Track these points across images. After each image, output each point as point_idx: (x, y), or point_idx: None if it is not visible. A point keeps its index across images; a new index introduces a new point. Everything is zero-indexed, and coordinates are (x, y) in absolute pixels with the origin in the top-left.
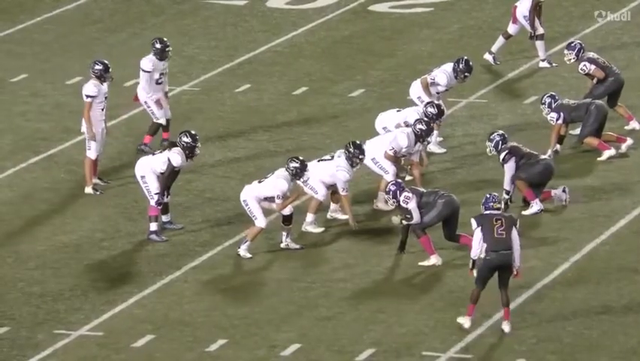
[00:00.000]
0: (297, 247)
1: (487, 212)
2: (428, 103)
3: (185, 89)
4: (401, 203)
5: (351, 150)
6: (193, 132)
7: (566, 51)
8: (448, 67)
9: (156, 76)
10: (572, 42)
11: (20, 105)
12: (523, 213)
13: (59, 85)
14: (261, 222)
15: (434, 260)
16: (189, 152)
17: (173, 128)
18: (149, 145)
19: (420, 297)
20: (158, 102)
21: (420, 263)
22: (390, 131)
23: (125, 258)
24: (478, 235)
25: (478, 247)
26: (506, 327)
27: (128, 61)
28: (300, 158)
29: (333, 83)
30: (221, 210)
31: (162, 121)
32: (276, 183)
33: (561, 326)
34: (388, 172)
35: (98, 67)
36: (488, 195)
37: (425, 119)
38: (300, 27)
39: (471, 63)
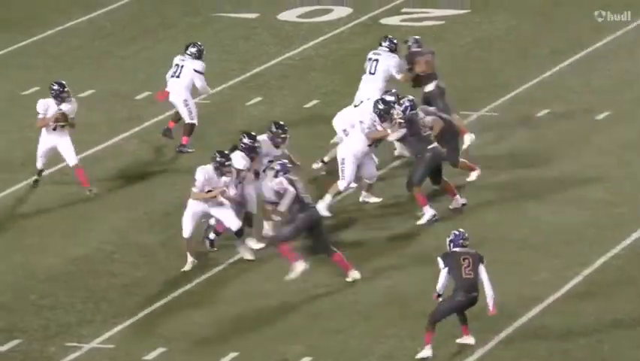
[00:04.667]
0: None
1: (456, 249)
2: (385, 92)
3: (196, 101)
4: (274, 184)
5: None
6: (253, 133)
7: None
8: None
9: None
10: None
11: (31, 118)
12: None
13: None
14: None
15: (300, 267)
16: (250, 152)
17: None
18: (187, 146)
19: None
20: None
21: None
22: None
23: (136, 270)
24: (444, 274)
25: (443, 283)
26: (470, 340)
27: (139, 74)
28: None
29: (344, 96)
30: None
31: (196, 121)
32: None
33: (572, 339)
34: (344, 179)
35: (54, 87)
36: (457, 233)
37: (384, 98)
38: (312, 40)
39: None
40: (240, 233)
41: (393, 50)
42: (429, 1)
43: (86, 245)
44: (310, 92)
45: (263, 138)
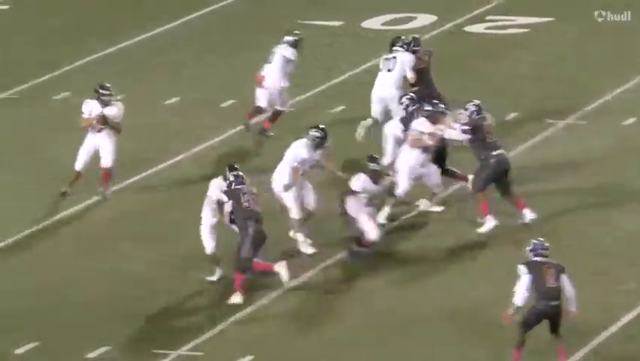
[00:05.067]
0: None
1: (537, 258)
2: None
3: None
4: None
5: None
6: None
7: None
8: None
9: (292, 66)
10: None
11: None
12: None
13: (156, 105)
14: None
15: (237, 298)
16: (374, 177)
17: (267, 150)
18: (269, 130)
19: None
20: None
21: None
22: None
23: (224, 277)
24: (525, 280)
25: (523, 294)
26: None
27: (224, 81)
28: None
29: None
30: (319, 231)
31: (286, 109)
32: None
33: None
34: (399, 188)
35: (98, 89)
36: (536, 242)
37: (429, 101)
38: None
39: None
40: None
41: (407, 49)
42: (514, 9)
43: (173, 252)
44: None
45: (302, 141)
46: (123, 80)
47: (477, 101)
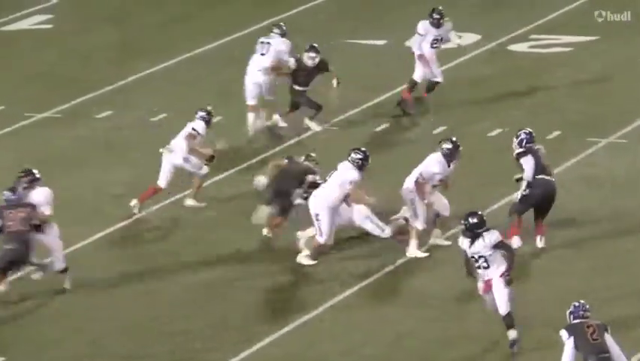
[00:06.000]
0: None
1: (577, 321)
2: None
3: (326, 127)
4: None
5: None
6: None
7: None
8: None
9: (430, 39)
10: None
11: (160, 144)
12: None
13: None
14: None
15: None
16: None
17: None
18: (407, 101)
19: None
20: (423, 59)
21: None
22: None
23: (261, 297)
24: (569, 345)
25: (568, 359)
26: None
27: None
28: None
29: (472, 123)
30: (357, 250)
31: (417, 79)
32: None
33: None
34: (417, 218)
35: (202, 113)
36: (577, 304)
37: (450, 138)
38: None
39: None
40: None
41: (284, 35)
42: (557, 28)
43: (213, 271)
44: (439, 119)
45: (348, 164)
46: (166, 99)
47: (528, 130)
